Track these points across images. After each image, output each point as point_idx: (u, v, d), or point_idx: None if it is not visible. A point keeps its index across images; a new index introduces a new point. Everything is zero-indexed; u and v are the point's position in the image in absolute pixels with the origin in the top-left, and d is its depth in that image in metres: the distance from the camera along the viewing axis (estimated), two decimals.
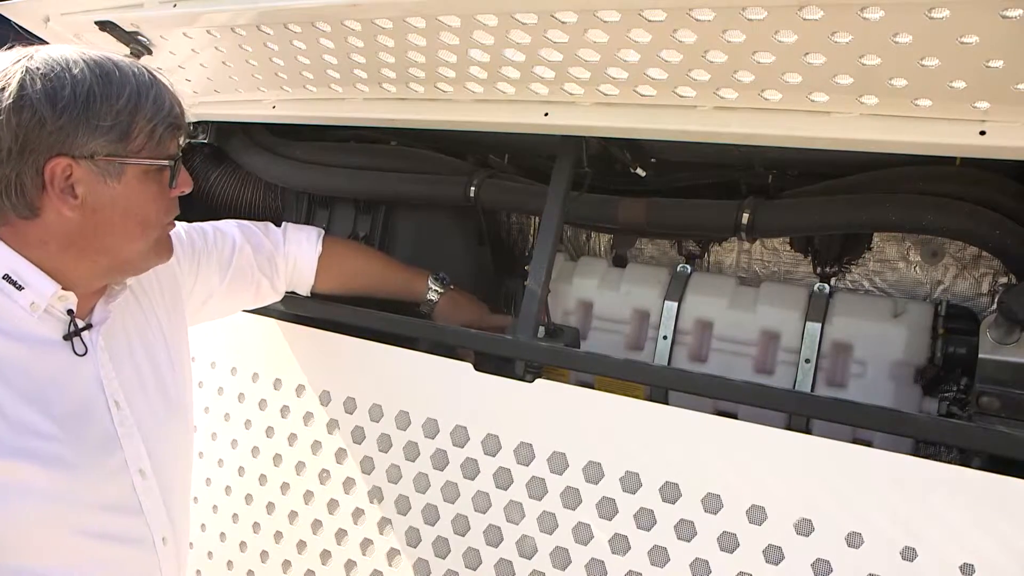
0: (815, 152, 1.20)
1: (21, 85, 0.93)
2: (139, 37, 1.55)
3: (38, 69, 0.94)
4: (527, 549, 1.29)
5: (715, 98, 1.19)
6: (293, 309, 1.57)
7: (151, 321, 1.20)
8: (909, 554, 1.04)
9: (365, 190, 1.79)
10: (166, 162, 1.04)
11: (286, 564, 1.54)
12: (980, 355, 1.29)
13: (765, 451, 1.14)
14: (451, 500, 1.36)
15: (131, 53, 1.57)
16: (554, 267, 1.52)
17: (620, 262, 1.81)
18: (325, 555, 1.50)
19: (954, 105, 1.05)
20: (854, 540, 1.07)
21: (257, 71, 1.57)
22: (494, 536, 1.32)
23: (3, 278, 0.99)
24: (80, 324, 1.06)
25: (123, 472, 1.08)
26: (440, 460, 1.38)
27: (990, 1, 0.87)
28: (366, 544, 1.45)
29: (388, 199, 1.83)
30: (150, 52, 1.59)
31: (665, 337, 1.62)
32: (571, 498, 1.26)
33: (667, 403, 1.46)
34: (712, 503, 1.16)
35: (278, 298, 1.52)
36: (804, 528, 1.10)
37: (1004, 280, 1.49)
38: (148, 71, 1.03)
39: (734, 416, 1.30)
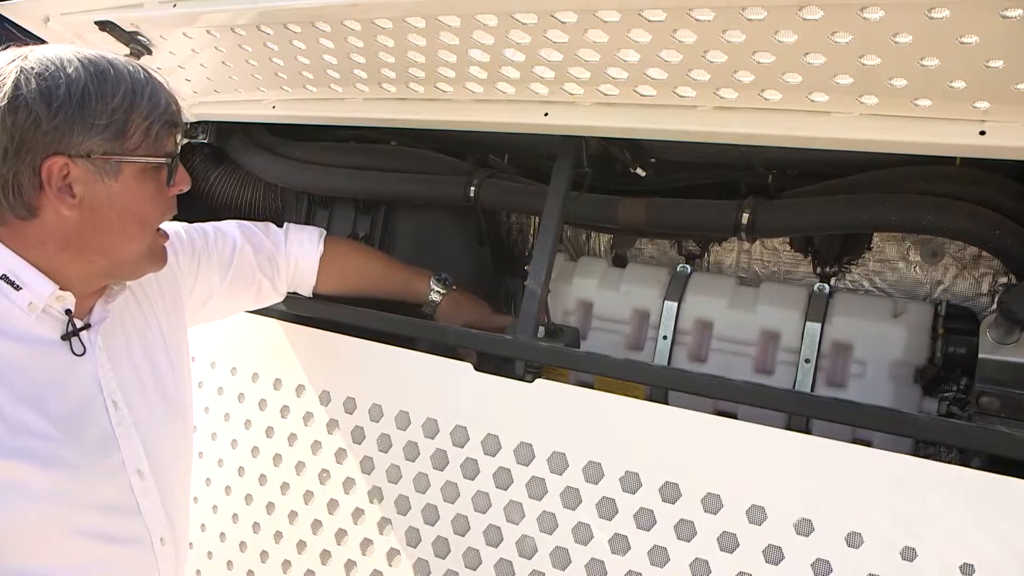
0: (815, 152, 1.20)
1: (16, 85, 0.93)
2: (139, 37, 1.55)
3: (33, 69, 0.94)
4: (527, 549, 1.29)
5: (715, 98, 1.19)
6: (293, 309, 1.57)
7: (150, 321, 1.20)
8: (909, 554, 1.04)
9: (365, 190, 1.79)
10: (163, 160, 1.04)
11: (286, 564, 1.54)
12: (980, 355, 1.29)
13: (765, 451, 1.14)
14: (451, 500, 1.36)
15: (131, 53, 1.57)
16: (554, 267, 1.52)
17: (620, 262, 1.81)
18: (325, 555, 1.50)
19: (954, 105, 1.05)
20: (854, 540, 1.07)
21: (257, 71, 1.57)
22: (494, 536, 1.32)
23: (1, 278, 0.99)
24: (78, 324, 1.06)
25: (121, 472, 1.08)
26: (440, 460, 1.38)
27: (990, 1, 0.87)
28: (366, 544, 1.45)
29: (388, 199, 1.83)
30: (150, 52, 1.59)
31: (665, 337, 1.62)
32: (571, 498, 1.26)
33: (667, 403, 1.46)
34: (712, 503, 1.16)
35: (279, 299, 1.52)
36: (804, 528, 1.10)
37: (1004, 280, 1.49)
38: (143, 69, 1.03)
39: (734, 416, 1.30)
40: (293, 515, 1.54)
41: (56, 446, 0.99)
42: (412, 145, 1.82)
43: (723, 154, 1.50)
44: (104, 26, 1.52)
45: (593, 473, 1.25)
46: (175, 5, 1.41)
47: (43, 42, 1.09)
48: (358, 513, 1.46)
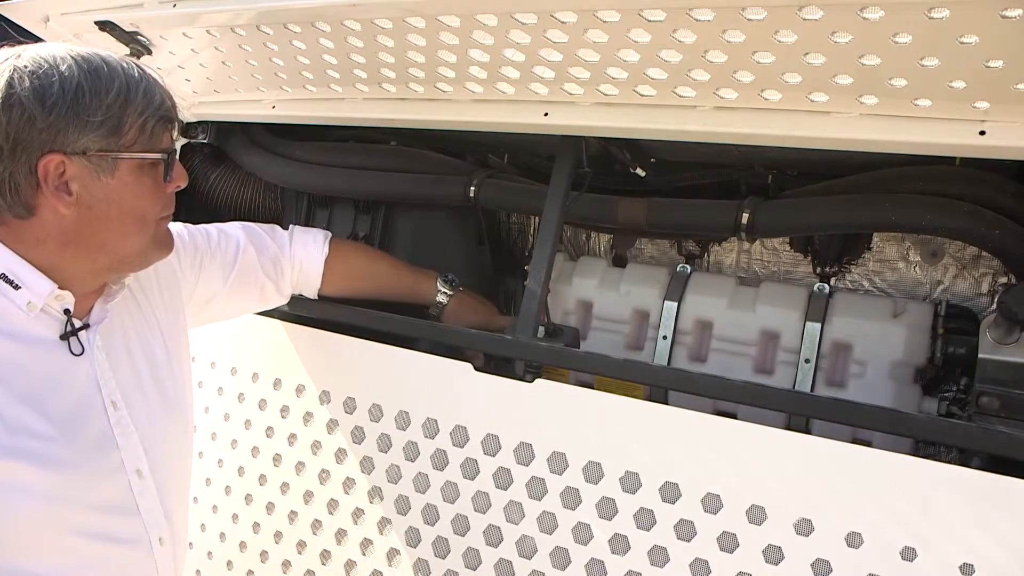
0: (815, 152, 1.20)
1: (9, 84, 0.93)
2: (139, 37, 1.55)
3: (26, 67, 0.95)
4: (527, 549, 1.29)
5: (715, 98, 1.19)
6: (293, 309, 1.57)
7: (150, 321, 1.20)
8: (909, 554, 1.04)
9: (365, 190, 1.79)
10: (159, 155, 1.04)
11: (286, 564, 1.54)
12: (980, 355, 1.29)
13: (765, 451, 1.14)
14: (451, 500, 1.36)
15: (131, 53, 1.57)
16: (554, 267, 1.52)
17: (620, 262, 1.81)
18: (325, 555, 1.50)
19: (954, 105, 1.05)
20: (854, 540, 1.07)
21: (257, 71, 1.57)
22: (494, 536, 1.32)
23: (0, 277, 0.99)
24: (77, 324, 1.06)
25: (120, 472, 1.07)
26: (440, 460, 1.38)
27: (990, 1, 0.87)
28: (366, 544, 1.45)
29: (388, 199, 1.83)
30: (150, 52, 1.59)
31: (665, 337, 1.62)
32: (571, 498, 1.26)
33: (667, 403, 1.46)
34: (712, 503, 1.16)
35: (284, 301, 1.51)
36: (804, 528, 1.10)
37: (1004, 280, 1.49)
38: (137, 66, 1.03)
39: (734, 416, 1.30)
40: (293, 515, 1.54)
41: (55, 446, 0.99)
42: (412, 145, 1.82)
43: (723, 154, 1.50)
44: (104, 26, 1.52)
45: (593, 473, 1.25)
46: (175, 5, 1.41)
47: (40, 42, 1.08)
48: (358, 513, 1.46)
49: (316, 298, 1.55)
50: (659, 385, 1.51)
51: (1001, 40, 0.92)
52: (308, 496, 1.52)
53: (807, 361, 1.49)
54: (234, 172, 1.99)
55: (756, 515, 1.13)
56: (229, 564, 1.61)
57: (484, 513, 1.33)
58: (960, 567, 1.01)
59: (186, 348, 1.28)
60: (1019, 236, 1.29)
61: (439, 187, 1.72)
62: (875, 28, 0.95)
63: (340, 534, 1.48)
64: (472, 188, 1.68)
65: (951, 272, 1.58)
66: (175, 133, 1.08)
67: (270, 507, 1.57)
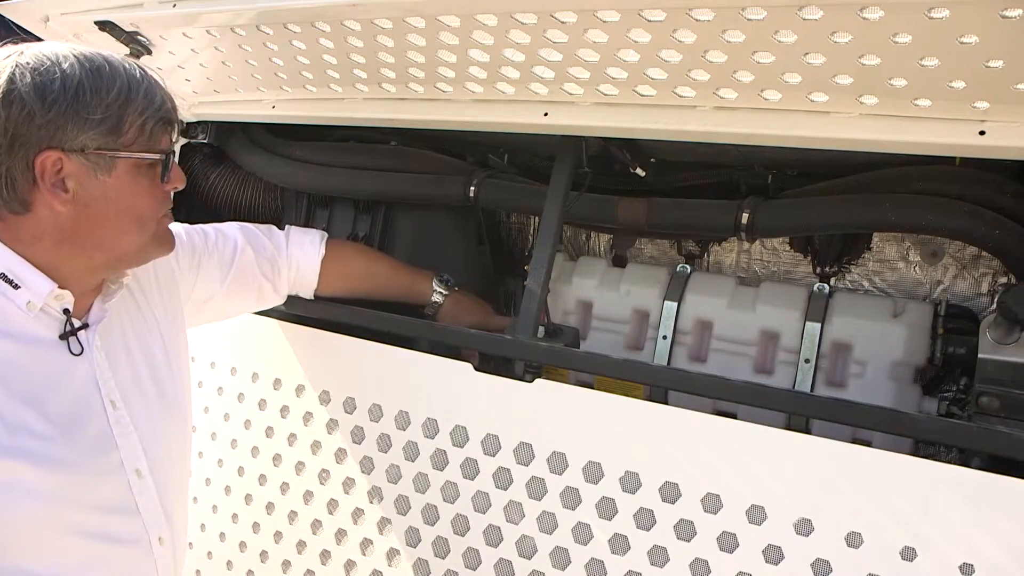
0: (814, 152, 1.20)
1: (10, 79, 0.93)
2: (139, 37, 1.55)
3: (28, 64, 0.95)
4: (527, 549, 1.29)
5: (715, 98, 1.19)
6: (293, 309, 1.57)
7: (148, 320, 1.20)
8: (909, 554, 1.04)
9: (365, 190, 1.79)
10: (157, 156, 1.04)
11: (286, 564, 1.54)
12: (980, 355, 1.29)
13: (765, 451, 1.14)
14: (451, 500, 1.36)
15: (131, 53, 1.57)
16: (554, 267, 1.52)
17: (620, 262, 1.81)
18: (325, 555, 1.50)
19: (954, 105, 1.05)
20: (854, 540, 1.07)
21: (257, 71, 1.57)
22: (494, 536, 1.32)
23: None
24: (76, 323, 1.06)
25: (119, 472, 1.07)
26: (440, 460, 1.38)
27: (990, 1, 0.87)
28: (366, 544, 1.45)
29: (388, 199, 1.83)
30: (150, 52, 1.59)
31: (665, 337, 1.62)
32: (571, 498, 1.26)
33: (667, 403, 1.46)
34: (712, 503, 1.16)
35: (280, 301, 1.52)
36: (804, 528, 1.10)
37: (1004, 280, 1.49)
38: (139, 67, 1.03)
39: (734, 416, 1.30)
40: (293, 515, 1.54)
41: (54, 446, 0.99)
42: (412, 145, 1.82)
43: (723, 154, 1.50)
44: (104, 26, 1.52)
45: (593, 473, 1.25)
46: (175, 5, 1.41)
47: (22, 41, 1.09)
48: (358, 513, 1.46)
49: (312, 298, 1.55)
50: (659, 385, 1.51)
51: (1001, 40, 0.92)
52: (308, 496, 1.52)
53: (807, 361, 1.49)
54: (234, 172, 1.99)
55: (756, 515, 1.13)
56: (229, 564, 1.61)
57: (484, 513, 1.33)
58: (960, 567, 1.01)
59: (185, 348, 1.29)
60: (1019, 236, 1.29)
61: (439, 187, 1.72)
62: (875, 28, 0.95)
63: (340, 534, 1.48)
64: (472, 188, 1.68)
65: (951, 272, 1.58)
66: (174, 135, 1.08)
67: (270, 507, 1.57)
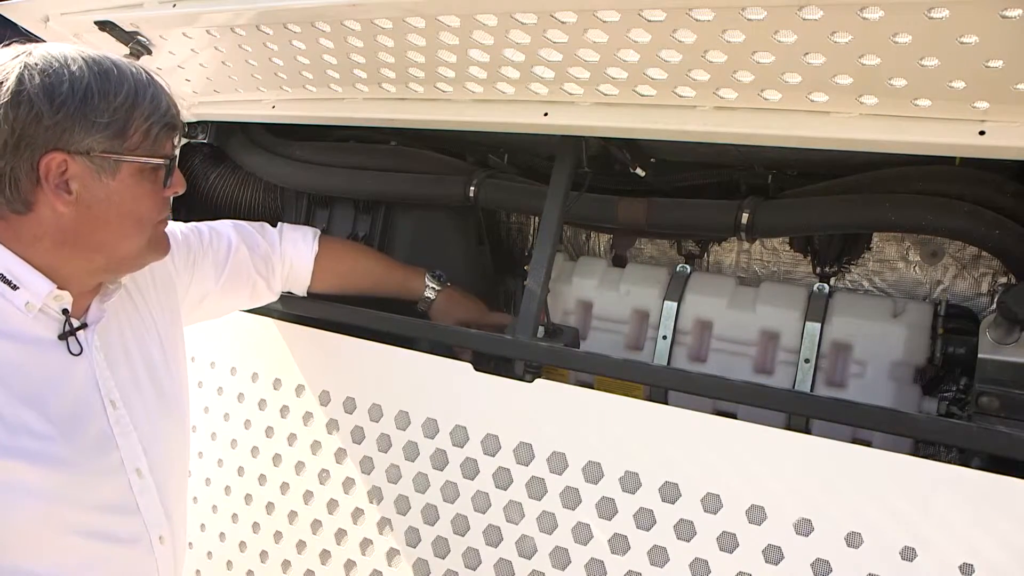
0: (814, 152, 1.20)
1: (19, 80, 0.94)
2: (139, 37, 1.55)
3: (36, 65, 0.95)
4: (527, 549, 1.29)
5: (715, 98, 1.19)
6: (292, 309, 1.57)
7: (146, 320, 1.20)
8: (909, 554, 1.04)
9: (365, 190, 1.79)
10: (161, 161, 1.04)
11: (286, 564, 1.54)
12: (980, 355, 1.29)
13: (765, 451, 1.14)
14: (451, 500, 1.36)
15: (131, 53, 1.56)
16: (554, 267, 1.52)
17: (620, 262, 1.81)
18: (325, 555, 1.50)
19: (954, 105, 1.05)
20: (854, 540, 1.07)
21: (256, 71, 1.57)
22: (494, 536, 1.32)
23: None
24: (75, 324, 1.06)
25: (119, 471, 1.08)
26: (440, 460, 1.38)
27: (990, 1, 0.87)
28: (366, 544, 1.45)
29: (388, 199, 1.83)
30: (150, 52, 1.59)
31: (665, 337, 1.62)
32: (571, 498, 1.26)
33: (667, 403, 1.46)
34: (712, 503, 1.16)
35: (274, 298, 1.52)
36: (804, 528, 1.10)
37: (1004, 280, 1.49)
38: (146, 71, 1.03)
39: (734, 416, 1.30)
40: (293, 515, 1.54)
41: (55, 445, 0.99)
42: (412, 145, 1.82)
43: (722, 154, 1.50)
44: (104, 26, 1.52)
45: (593, 473, 1.25)
46: (175, 5, 1.41)
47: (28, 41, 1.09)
48: (358, 513, 1.46)
49: (305, 295, 1.55)
50: (659, 385, 1.51)
51: (1001, 40, 0.92)
52: (308, 496, 1.52)
53: (807, 361, 1.49)
54: (234, 172, 1.99)
55: (756, 515, 1.13)
56: (229, 564, 1.61)
57: (484, 513, 1.33)
58: (960, 567, 1.01)
59: (182, 347, 1.29)
60: (1019, 236, 1.29)
61: (439, 187, 1.72)
62: (875, 28, 0.95)
63: (340, 534, 1.48)
64: (472, 188, 1.68)
65: (951, 272, 1.58)
66: (178, 140, 1.08)
67: (270, 507, 1.57)
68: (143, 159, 1.02)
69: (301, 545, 1.53)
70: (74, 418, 1.03)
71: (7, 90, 0.93)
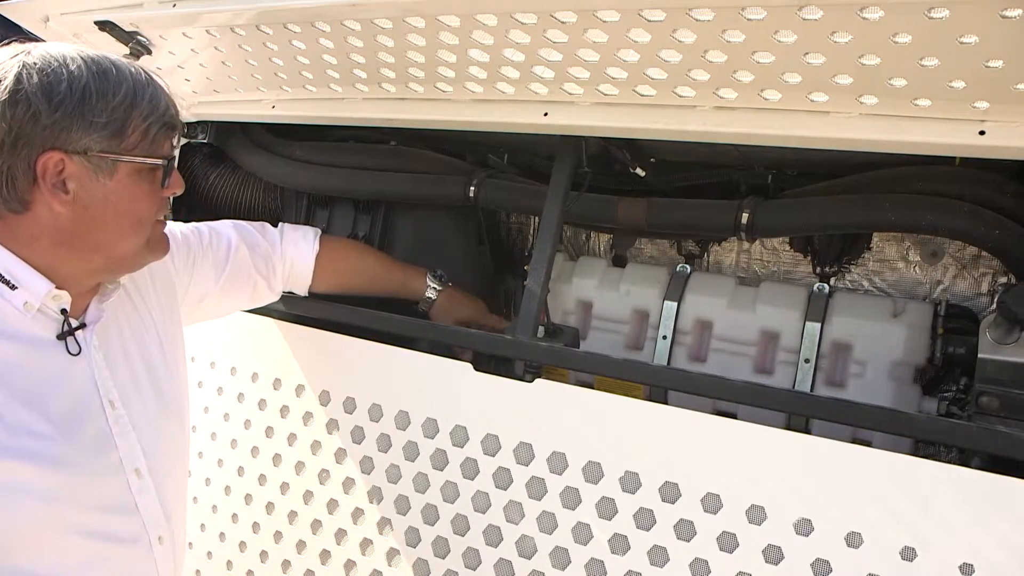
0: (814, 152, 1.20)
1: (17, 79, 0.93)
2: (138, 37, 1.55)
3: (35, 64, 0.95)
4: (527, 549, 1.29)
5: (715, 98, 1.19)
6: (292, 309, 1.57)
7: (145, 320, 1.20)
8: (909, 554, 1.04)
9: (365, 190, 1.79)
10: (159, 161, 1.04)
11: (286, 564, 1.54)
12: (979, 355, 1.29)
13: (765, 451, 1.14)
14: (451, 500, 1.36)
15: (130, 53, 1.56)
16: (554, 267, 1.52)
17: (619, 262, 1.81)
18: (325, 555, 1.50)
19: (954, 105, 1.05)
20: (854, 540, 1.07)
21: (256, 71, 1.57)
22: (494, 536, 1.32)
23: None
24: (74, 323, 1.06)
25: (118, 472, 1.08)
26: (440, 460, 1.38)
27: (990, 1, 0.87)
28: (366, 544, 1.45)
29: (388, 199, 1.83)
30: (149, 52, 1.59)
31: (664, 337, 1.62)
32: (571, 498, 1.26)
33: (667, 403, 1.46)
34: (712, 503, 1.16)
35: (275, 298, 1.52)
36: (804, 528, 1.10)
37: (1004, 280, 1.49)
38: (145, 71, 1.03)
39: (734, 416, 1.30)
40: (293, 515, 1.54)
41: (54, 445, 0.99)
42: (412, 145, 1.82)
43: (722, 154, 1.50)
44: (104, 26, 1.52)
45: (593, 473, 1.25)
46: (175, 5, 1.41)
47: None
48: (358, 513, 1.46)
49: (306, 295, 1.55)
50: (659, 385, 1.51)
51: (1001, 40, 0.92)
52: (308, 496, 1.52)
53: (807, 361, 1.49)
54: (234, 172, 1.99)
55: (756, 515, 1.13)
56: (229, 564, 1.61)
57: (484, 513, 1.33)
58: (960, 567, 1.01)
59: (182, 347, 1.29)
60: (1019, 236, 1.29)
61: (439, 187, 1.72)
62: (875, 28, 0.95)
63: (340, 534, 1.48)
64: (472, 188, 1.68)
65: (951, 272, 1.58)
66: (177, 140, 1.08)
67: (270, 507, 1.57)
68: (141, 159, 1.02)
69: (301, 545, 1.53)
70: (73, 418, 1.03)
71: (5, 89, 0.93)
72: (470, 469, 1.35)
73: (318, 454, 1.51)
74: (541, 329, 1.39)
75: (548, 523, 1.27)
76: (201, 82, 1.70)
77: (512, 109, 1.38)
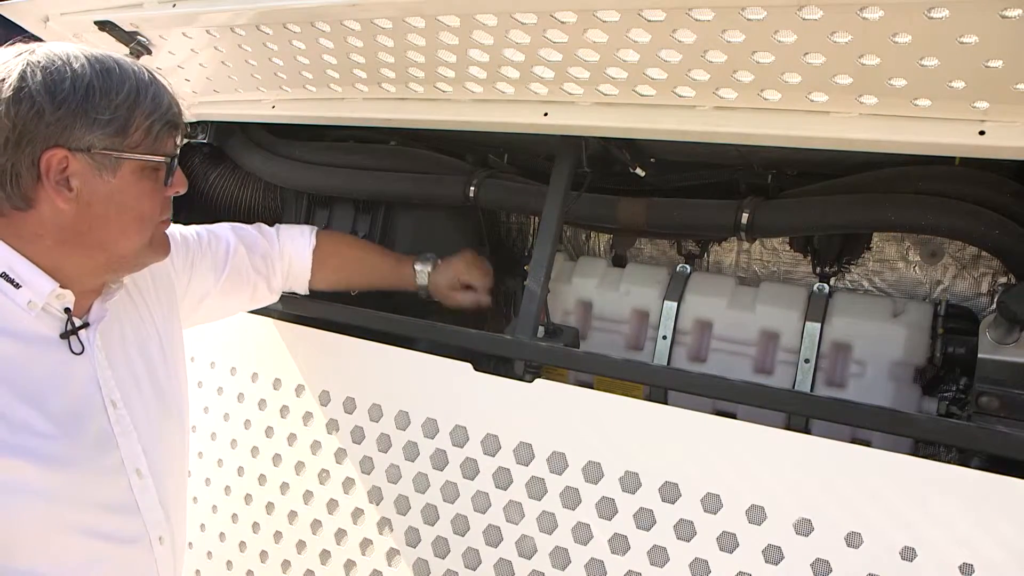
0: (814, 152, 1.20)
1: (21, 76, 0.94)
2: (139, 37, 1.55)
3: (39, 62, 0.96)
4: (527, 549, 1.29)
5: (714, 98, 1.19)
6: (292, 309, 1.57)
7: (146, 320, 1.20)
8: (909, 554, 1.04)
9: (364, 190, 1.79)
10: (162, 159, 1.04)
11: (286, 564, 1.54)
12: (979, 355, 1.29)
13: (765, 451, 1.14)
14: (451, 500, 1.36)
15: (131, 53, 1.57)
16: (554, 267, 1.52)
17: (619, 262, 1.81)
18: (325, 555, 1.50)
19: (953, 105, 1.05)
20: (854, 540, 1.07)
21: (256, 71, 1.57)
22: (494, 536, 1.32)
23: (0, 276, 0.99)
24: (77, 322, 1.06)
25: (120, 471, 1.08)
26: (440, 460, 1.38)
27: (990, 1, 0.87)
28: (366, 544, 1.45)
29: (387, 199, 1.83)
30: (149, 52, 1.59)
31: (664, 337, 1.62)
32: (571, 498, 1.26)
33: (666, 403, 1.46)
34: (711, 503, 1.16)
35: (275, 298, 1.52)
36: (804, 528, 1.10)
37: (1003, 280, 1.49)
38: (148, 70, 1.04)
39: (733, 416, 1.30)
40: (293, 515, 1.54)
41: (56, 444, 0.99)
42: (412, 145, 1.82)
43: (722, 154, 1.50)
44: (104, 26, 1.52)
45: (593, 473, 1.25)
46: (175, 5, 1.41)
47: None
48: (358, 513, 1.46)
49: (307, 292, 1.55)
50: (659, 385, 1.51)
51: (1001, 40, 0.92)
52: (308, 496, 1.52)
53: (807, 361, 1.49)
54: (234, 172, 1.99)
55: (756, 515, 1.13)
56: (229, 564, 1.61)
57: (484, 513, 1.33)
58: (960, 567, 1.01)
59: (181, 347, 1.29)
60: (1019, 236, 1.29)
61: (439, 187, 1.72)
62: (875, 28, 0.95)
63: (340, 534, 1.48)
64: (472, 188, 1.68)
65: (951, 272, 1.58)
66: (180, 139, 1.08)
67: (270, 507, 1.57)
68: (144, 157, 1.02)
69: (301, 545, 1.53)
70: (75, 417, 1.03)
71: (9, 86, 0.94)
72: (470, 469, 1.35)
73: (318, 454, 1.51)
74: (541, 329, 1.39)
75: (548, 523, 1.27)
76: (201, 82, 1.70)
77: (512, 109, 1.38)
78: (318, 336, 1.55)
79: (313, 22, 1.31)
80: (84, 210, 1.00)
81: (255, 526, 1.59)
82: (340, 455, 1.48)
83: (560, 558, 1.26)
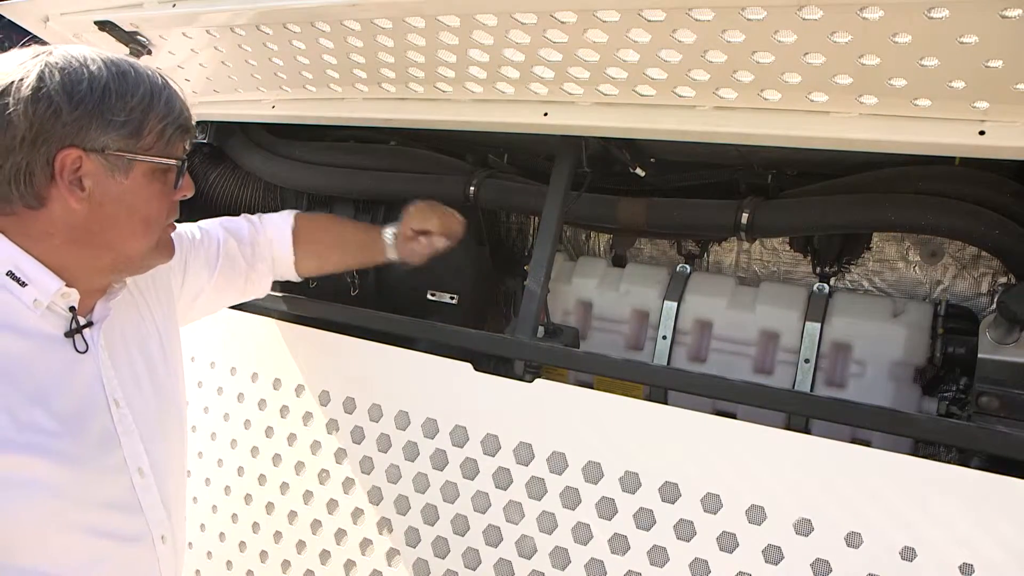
0: (814, 152, 1.20)
1: (40, 77, 0.95)
2: (138, 37, 1.55)
3: (57, 63, 0.97)
4: (526, 549, 1.29)
5: (715, 98, 1.19)
6: (292, 309, 1.57)
7: (146, 319, 1.21)
8: (908, 554, 1.04)
9: (364, 190, 1.79)
10: (173, 162, 1.06)
11: (286, 564, 1.54)
12: (979, 355, 1.29)
13: (765, 451, 1.14)
14: (451, 500, 1.36)
15: (130, 53, 1.57)
16: (554, 267, 1.52)
17: (619, 262, 1.81)
18: (324, 555, 1.50)
19: (953, 105, 1.05)
20: (854, 540, 1.07)
21: (256, 71, 1.57)
22: (493, 536, 1.32)
23: (6, 274, 1.00)
24: (82, 321, 1.07)
25: (122, 470, 1.08)
26: (440, 460, 1.38)
27: (990, 1, 0.87)
28: (366, 544, 1.45)
29: (387, 199, 1.83)
30: (149, 52, 1.59)
31: (664, 337, 1.62)
32: (570, 498, 1.26)
33: (666, 403, 1.46)
34: (711, 503, 1.16)
35: (267, 287, 1.49)
36: (803, 528, 1.10)
37: (1003, 280, 1.49)
38: (161, 74, 1.05)
39: (733, 416, 1.30)
40: (293, 515, 1.54)
41: (61, 442, 1.00)
42: (412, 145, 1.82)
43: (722, 154, 1.50)
44: (104, 26, 1.52)
45: (593, 473, 1.25)
46: (175, 5, 1.41)
47: (42, 43, 1.10)
48: (358, 513, 1.46)
49: (297, 278, 1.52)
50: (659, 385, 1.51)
51: (1001, 40, 0.92)
52: (308, 496, 1.52)
53: (807, 361, 1.49)
54: (234, 172, 1.99)
55: (756, 515, 1.13)
56: (229, 564, 1.61)
57: (484, 513, 1.33)
58: (960, 567, 1.01)
59: (179, 346, 1.29)
60: (1019, 236, 1.29)
61: (439, 187, 1.72)
62: (875, 28, 0.95)
63: (340, 534, 1.48)
64: (472, 188, 1.68)
65: (951, 272, 1.58)
66: (188, 144, 1.10)
67: (270, 507, 1.57)
68: (156, 159, 1.03)
69: (301, 545, 1.53)
70: (79, 416, 1.04)
71: (28, 86, 0.95)
72: (470, 469, 1.35)
73: (318, 454, 1.51)
74: (541, 329, 1.39)
75: (548, 523, 1.27)
76: (201, 82, 1.70)
77: (512, 109, 1.38)
78: (318, 336, 1.55)
79: (313, 22, 1.31)
80: (95, 210, 1.01)
81: (255, 526, 1.59)
82: (340, 455, 1.49)
83: (560, 558, 1.26)
